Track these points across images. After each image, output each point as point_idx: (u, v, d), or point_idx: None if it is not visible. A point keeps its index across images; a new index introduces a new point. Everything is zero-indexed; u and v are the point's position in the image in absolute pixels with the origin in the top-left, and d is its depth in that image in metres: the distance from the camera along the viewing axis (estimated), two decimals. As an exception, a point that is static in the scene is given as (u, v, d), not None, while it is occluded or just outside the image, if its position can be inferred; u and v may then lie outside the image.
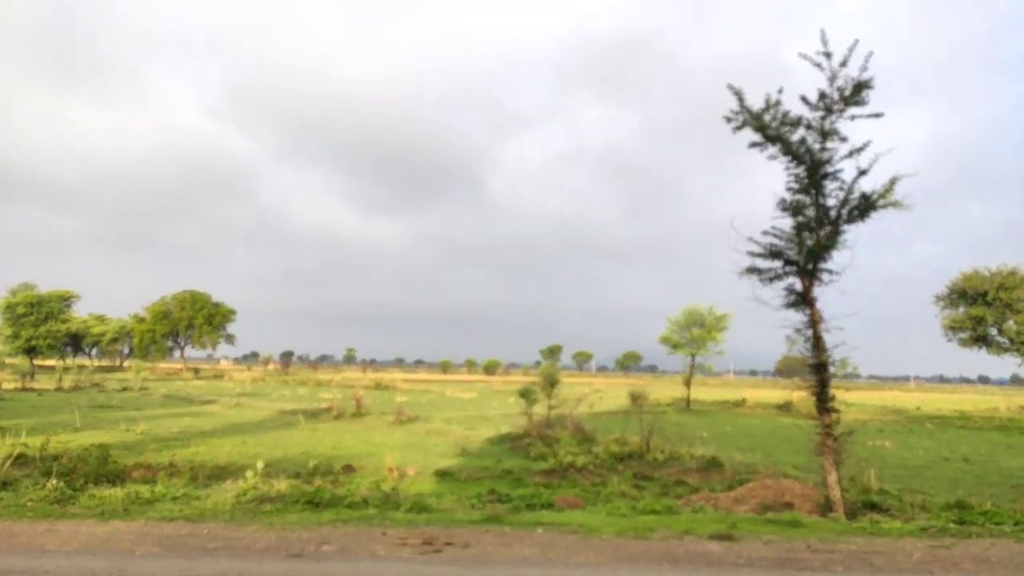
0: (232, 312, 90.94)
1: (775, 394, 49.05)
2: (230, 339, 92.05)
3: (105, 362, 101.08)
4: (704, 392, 59.89)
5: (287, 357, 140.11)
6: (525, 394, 22.22)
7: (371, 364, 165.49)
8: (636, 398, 28.87)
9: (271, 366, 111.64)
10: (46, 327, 75.62)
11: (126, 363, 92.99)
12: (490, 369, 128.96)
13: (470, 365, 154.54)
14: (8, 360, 68.59)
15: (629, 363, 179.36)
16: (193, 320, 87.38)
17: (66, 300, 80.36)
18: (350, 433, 21.19)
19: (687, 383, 40.14)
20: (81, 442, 16.03)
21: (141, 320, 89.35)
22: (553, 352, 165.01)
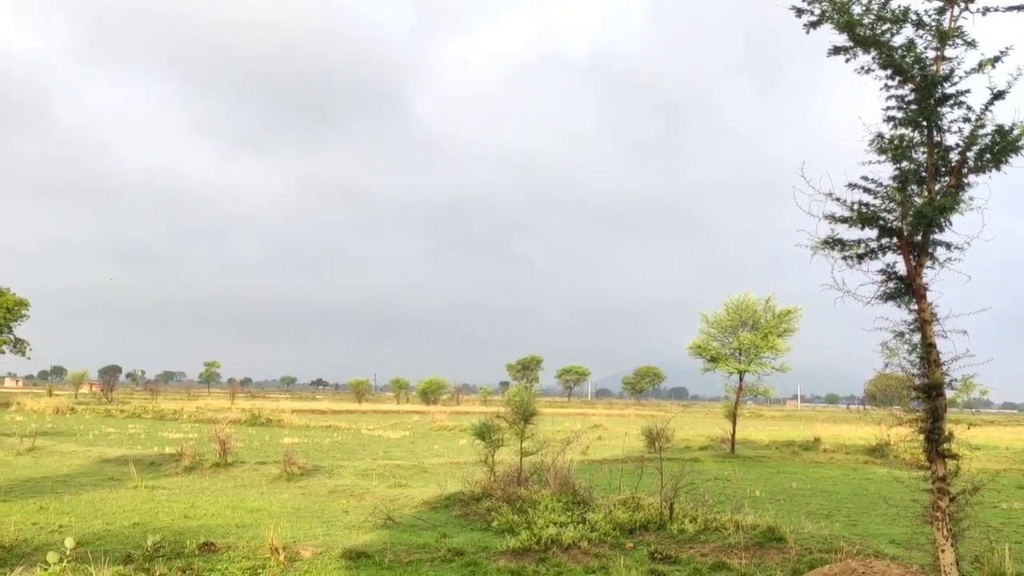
0: (22, 305, 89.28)
1: (864, 431, 49.97)
2: (19, 347, 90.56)
3: None
4: (758, 429, 60.64)
5: (111, 376, 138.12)
6: (484, 433, 22.25)
7: (244, 387, 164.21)
8: (654, 438, 29.12)
9: (85, 389, 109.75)
10: None
11: None
12: (430, 395, 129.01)
13: (399, 389, 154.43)
14: None
15: (644, 385, 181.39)
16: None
17: None
18: (211, 493, 21.08)
19: (731, 416, 40.62)
20: None
21: None
22: (528, 368, 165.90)
